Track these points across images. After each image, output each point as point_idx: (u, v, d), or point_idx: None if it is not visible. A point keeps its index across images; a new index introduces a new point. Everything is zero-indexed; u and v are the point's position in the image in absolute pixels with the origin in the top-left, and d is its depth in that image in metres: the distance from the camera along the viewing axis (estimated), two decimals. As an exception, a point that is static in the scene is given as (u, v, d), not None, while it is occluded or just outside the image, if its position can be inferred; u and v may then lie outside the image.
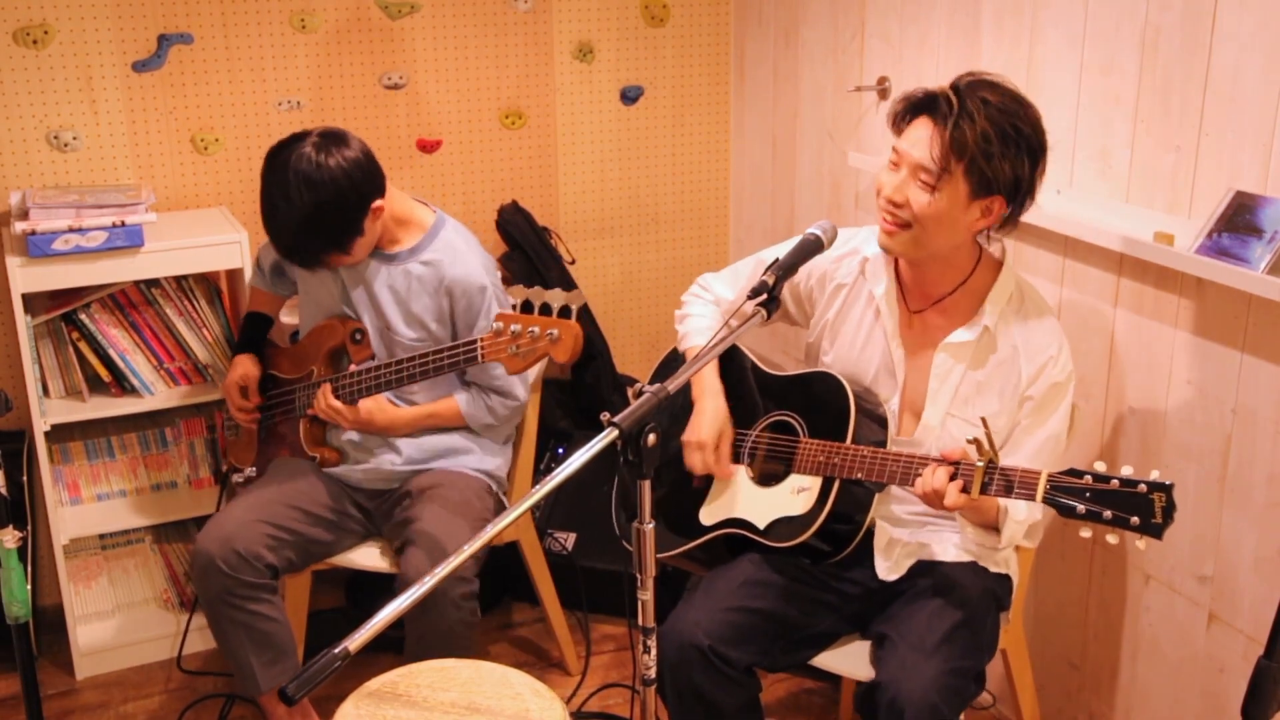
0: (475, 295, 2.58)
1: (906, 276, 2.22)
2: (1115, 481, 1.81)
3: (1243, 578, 2.23)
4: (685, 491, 2.33)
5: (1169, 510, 1.77)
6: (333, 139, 2.44)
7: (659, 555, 2.30)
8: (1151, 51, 2.25)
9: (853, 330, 2.27)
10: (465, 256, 2.60)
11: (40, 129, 3.03)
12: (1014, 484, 1.91)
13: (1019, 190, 2.04)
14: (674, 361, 2.48)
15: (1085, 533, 1.85)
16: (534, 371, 2.75)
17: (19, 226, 2.74)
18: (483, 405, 2.67)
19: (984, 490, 1.93)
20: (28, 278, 2.77)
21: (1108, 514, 1.81)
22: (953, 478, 1.95)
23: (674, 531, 2.32)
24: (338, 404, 2.55)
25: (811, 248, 2.06)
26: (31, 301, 2.84)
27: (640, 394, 1.72)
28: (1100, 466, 1.84)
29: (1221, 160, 2.14)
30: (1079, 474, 1.84)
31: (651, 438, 1.68)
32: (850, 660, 2.23)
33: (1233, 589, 2.25)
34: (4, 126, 3.00)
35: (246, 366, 2.77)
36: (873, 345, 2.24)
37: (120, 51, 3.05)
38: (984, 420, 1.95)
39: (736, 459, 2.29)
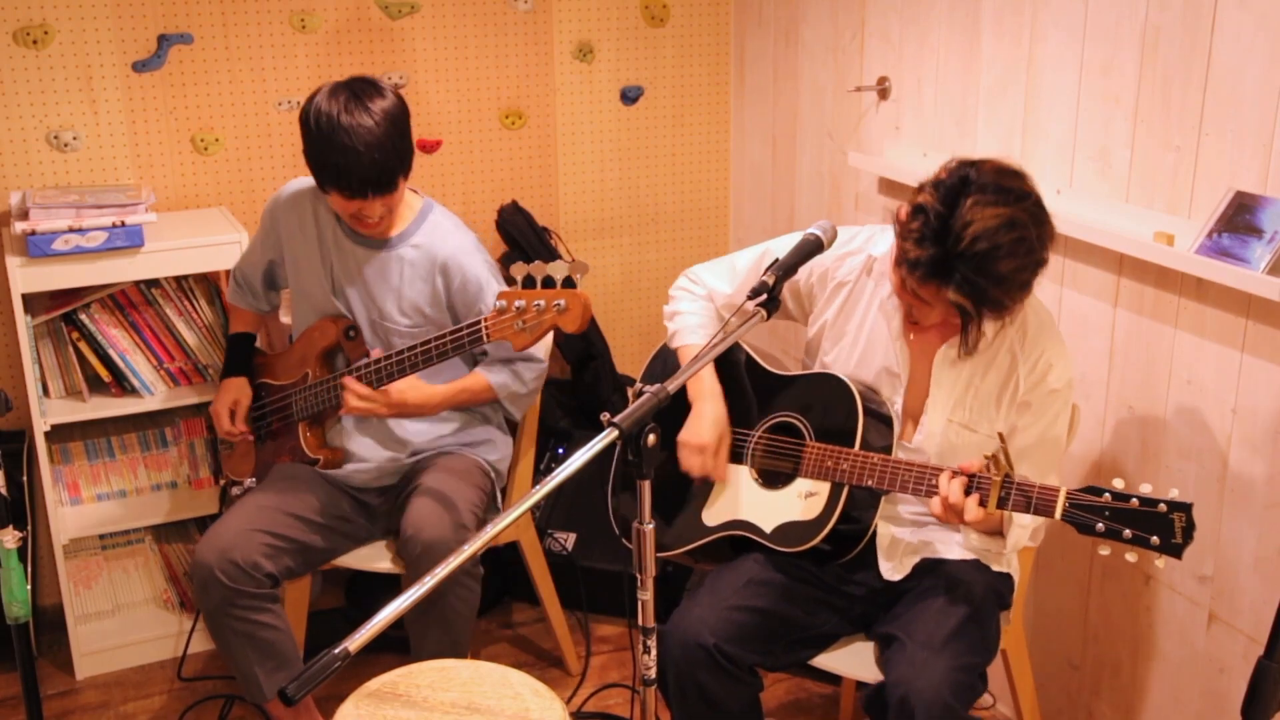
0: (469, 272, 2.57)
1: None
2: (1135, 500, 1.81)
3: (1243, 578, 2.23)
4: (687, 489, 2.33)
5: (1189, 530, 1.77)
6: (362, 79, 2.47)
7: (661, 553, 2.30)
8: (1151, 51, 2.25)
9: (855, 330, 2.26)
10: (453, 235, 2.60)
11: (40, 129, 3.03)
12: (1033, 500, 1.90)
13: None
14: (664, 358, 2.47)
15: (1104, 550, 1.85)
16: (548, 338, 2.74)
17: (19, 226, 2.74)
18: (509, 374, 2.64)
19: (1001, 505, 1.93)
20: (28, 278, 2.77)
21: (1127, 533, 1.81)
22: (968, 491, 1.95)
23: (677, 530, 2.32)
24: (368, 391, 2.46)
25: (811, 248, 2.06)
26: (31, 301, 2.84)
27: (640, 394, 1.72)
28: (1119, 484, 1.84)
29: (1221, 160, 2.14)
30: (1098, 491, 1.84)
31: (651, 438, 1.68)
32: (852, 660, 2.23)
33: (1233, 589, 2.25)
34: (4, 126, 3.00)
35: (236, 392, 2.76)
36: (876, 345, 2.23)
37: (120, 51, 3.05)
38: (1001, 435, 1.95)
39: (738, 459, 2.29)
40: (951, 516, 1.97)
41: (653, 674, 1.83)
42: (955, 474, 1.97)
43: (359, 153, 2.36)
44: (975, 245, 1.89)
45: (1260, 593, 2.20)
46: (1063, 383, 2.12)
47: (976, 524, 1.96)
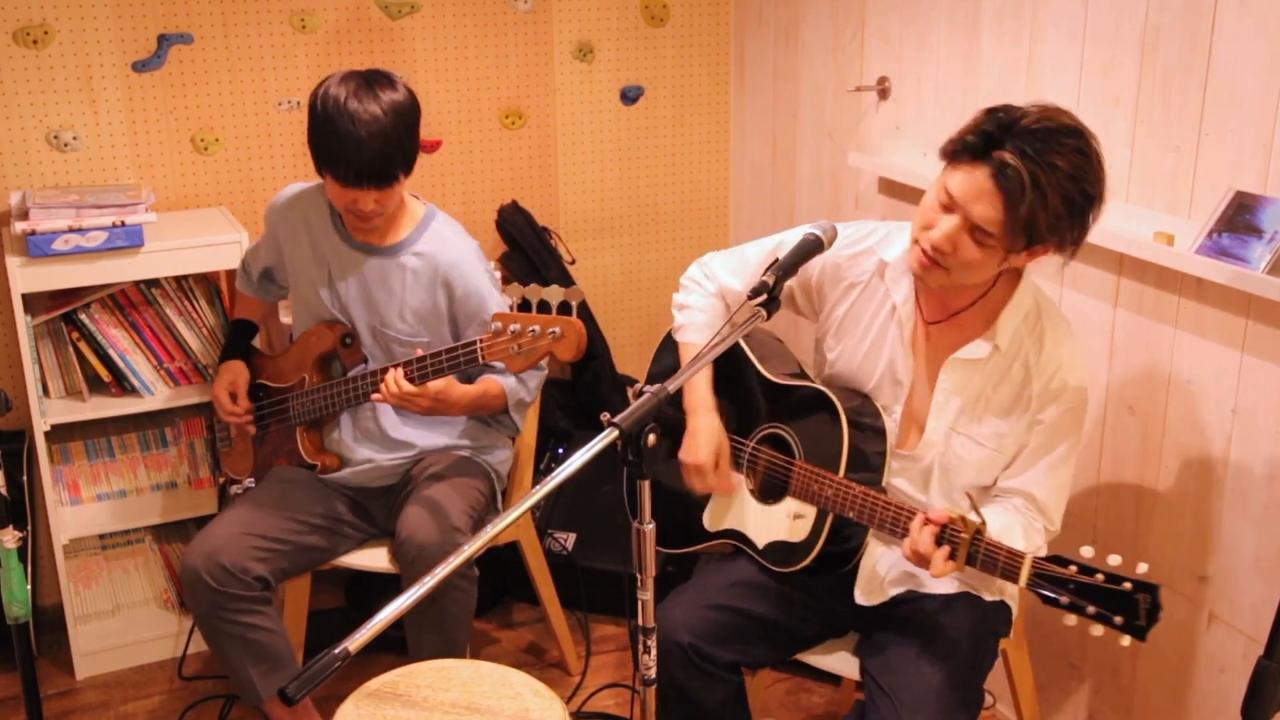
0: (472, 283, 2.56)
1: (924, 289, 2.13)
2: (1100, 575, 1.74)
3: (1243, 578, 2.23)
4: (689, 490, 2.33)
5: (1153, 612, 1.70)
6: (377, 71, 2.45)
7: (665, 549, 2.31)
8: (1151, 51, 2.25)
9: (863, 332, 2.20)
10: (456, 244, 2.59)
11: (40, 129, 3.03)
12: (999, 563, 1.84)
13: (1076, 243, 1.93)
14: (670, 346, 2.41)
15: (1070, 621, 1.79)
16: None
17: (19, 226, 2.74)
18: (516, 380, 2.61)
19: (970, 562, 1.87)
20: (28, 278, 2.77)
21: (1091, 609, 1.74)
22: (939, 542, 1.90)
23: (678, 531, 2.32)
24: (411, 388, 2.41)
25: (811, 248, 2.04)
26: (31, 301, 2.84)
27: (640, 394, 1.72)
28: (1087, 552, 1.79)
29: (1221, 160, 2.14)
30: (1065, 562, 1.78)
31: (652, 438, 1.68)
32: (843, 661, 2.23)
33: (1233, 589, 2.25)
34: (4, 126, 3.00)
35: (234, 372, 2.75)
36: (882, 351, 2.17)
37: (120, 51, 3.05)
38: (969, 493, 1.94)
39: (736, 466, 2.27)
40: (921, 564, 1.92)
41: (653, 674, 1.82)
42: (928, 522, 1.91)
43: (360, 139, 2.33)
44: (1039, 122, 1.84)
45: (1260, 593, 2.20)
46: (1078, 401, 2.04)
47: (944, 575, 1.90)
